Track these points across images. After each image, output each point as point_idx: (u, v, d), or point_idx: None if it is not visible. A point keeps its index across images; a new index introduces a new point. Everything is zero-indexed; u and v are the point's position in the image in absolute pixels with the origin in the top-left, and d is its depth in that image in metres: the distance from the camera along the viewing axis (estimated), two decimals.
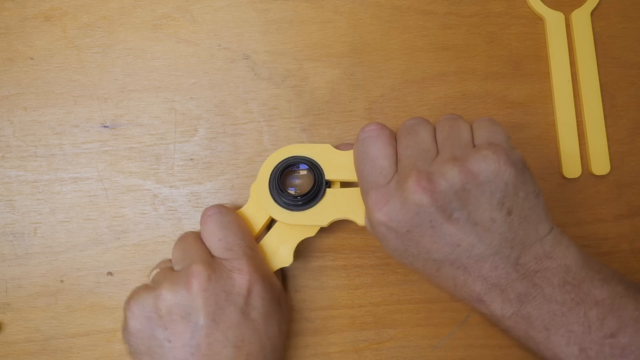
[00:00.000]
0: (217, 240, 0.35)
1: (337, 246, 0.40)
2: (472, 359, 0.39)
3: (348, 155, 0.37)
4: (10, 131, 0.41)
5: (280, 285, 0.36)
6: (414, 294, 0.40)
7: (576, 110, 0.41)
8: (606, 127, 0.41)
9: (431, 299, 0.40)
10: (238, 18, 0.42)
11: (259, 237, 0.38)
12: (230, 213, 0.36)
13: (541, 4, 0.42)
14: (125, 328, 0.34)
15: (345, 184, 0.37)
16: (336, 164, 0.37)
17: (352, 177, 0.36)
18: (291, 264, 0.40)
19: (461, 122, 0.34)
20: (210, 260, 0.34)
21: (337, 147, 0.37)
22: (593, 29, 0.42)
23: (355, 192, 0.36)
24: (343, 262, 0.40)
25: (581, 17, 0.42)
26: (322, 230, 0.40)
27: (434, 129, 0.34)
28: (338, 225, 0.40)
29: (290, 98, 0.41)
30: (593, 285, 0.32)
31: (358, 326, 0.39)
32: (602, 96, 0.41)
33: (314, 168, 0.37)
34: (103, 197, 0.40)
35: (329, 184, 0.37)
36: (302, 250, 0.40)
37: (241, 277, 0.33)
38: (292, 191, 0.37)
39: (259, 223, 0.38)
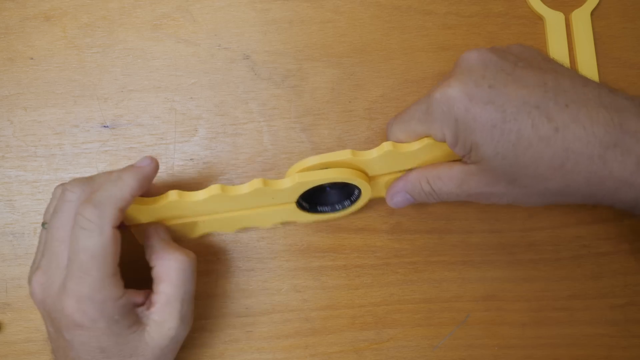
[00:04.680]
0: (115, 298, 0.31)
1: (337, 246, 0.40)
2: (472, 359, 0.39)
3: (375, 152, 0.34)
4: (10, 131, 0.41)
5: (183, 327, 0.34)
6: (414, 294, 0.40)
7: None
8: None
9: (431, 299, 0.40)
10: (238, 18, 0.42)
11: None
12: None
13: (541, 4, 0.42)
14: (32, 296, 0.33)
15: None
16: (364, 167, 0.35)
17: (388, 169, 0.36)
18: (291, 264, 0.40)
19: None
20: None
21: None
22: (593, 29, 0.42)
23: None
24: (343, 262, 0.40)
25: (581, 17, 0.42)
26: (322, 230, 0.40)
27: None
28: (338, 225, 0.40)
29: (290, 98, 0.41)
30: None
31: (358, 326, 0.39)
32: None
33: (342, 187, 0.36)
34: None
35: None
36: (303, 250, 0.40)
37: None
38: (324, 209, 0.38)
39: None
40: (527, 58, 0.32)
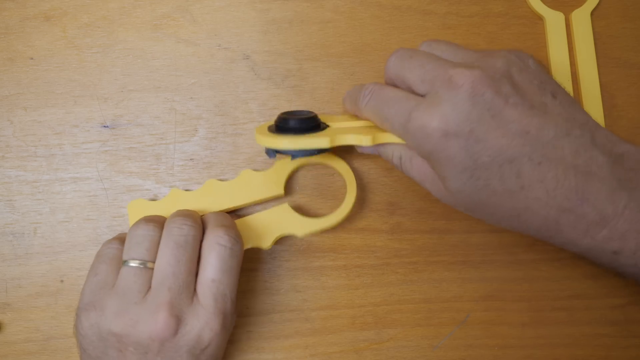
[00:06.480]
0: (210, 280, 0.33)
1: (337, 246, 0.40)
2: (472, 359, 0.39)
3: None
4: (10, 131, 0.41)
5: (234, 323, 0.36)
6: (414, 294, 0.40)
7: None
8: (606, 127, 0.41)
9: (431, 299, 0.40)
10: (238, 18, 0.42)
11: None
12: (238, 255, 0.34)
13: (541, 4, 0.42)
14: (77, 328, 0.33)
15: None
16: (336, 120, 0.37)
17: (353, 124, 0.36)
18: (291, 264, 0.40)
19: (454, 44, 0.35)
20: (184, 305, 0.32)
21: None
22: (593, 29, 0.42)
23: (357, 124, 0.36)
24: (343, 262, 0.40)
25: (581, 17, 0.42)
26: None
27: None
28: (338, 225, 0.40)
29: (290, 98, 0.41)
30: None
31: (358, 326, 0.39)
32: (602, 96, 0.41)
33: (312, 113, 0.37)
34: (103, 197, 0.40)
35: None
36: (303, 250, 0.40)
37: (209, 336, 0.32)
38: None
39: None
40: (524, 86, 0.31)
